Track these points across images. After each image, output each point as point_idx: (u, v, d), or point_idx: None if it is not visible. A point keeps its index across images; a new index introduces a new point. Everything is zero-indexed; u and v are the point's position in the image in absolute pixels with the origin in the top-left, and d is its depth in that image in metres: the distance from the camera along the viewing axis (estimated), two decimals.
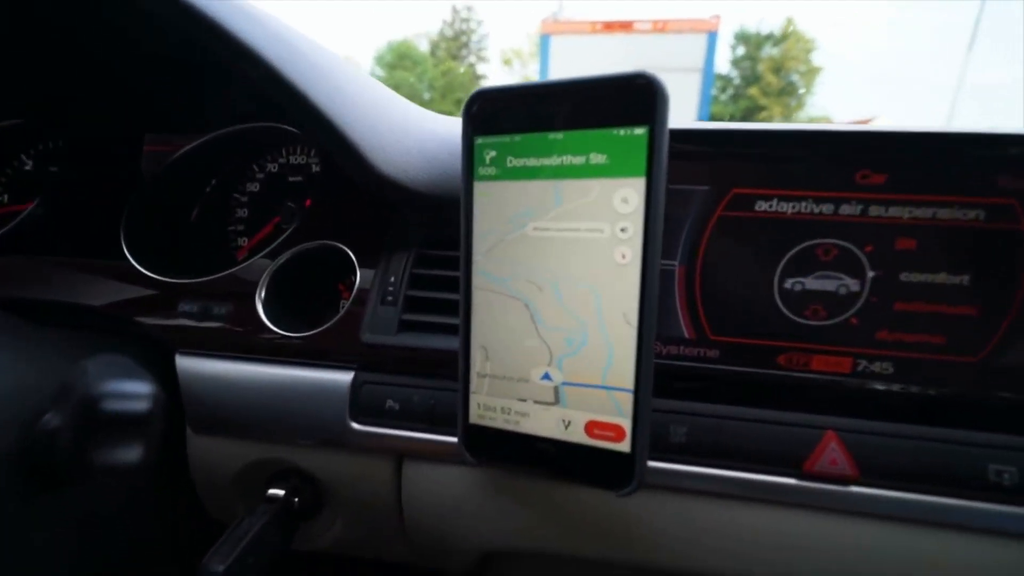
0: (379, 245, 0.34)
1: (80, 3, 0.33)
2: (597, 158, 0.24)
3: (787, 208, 0.26)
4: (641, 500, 0.28)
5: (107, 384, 0.23)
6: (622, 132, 0.24)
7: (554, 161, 0.25)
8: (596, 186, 0.24)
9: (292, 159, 0.45)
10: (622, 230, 0.24)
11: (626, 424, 0.24)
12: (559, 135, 0.25)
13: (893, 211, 0.25)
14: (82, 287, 0.36)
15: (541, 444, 0.26)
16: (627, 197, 0.24)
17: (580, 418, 0.26)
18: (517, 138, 0.26)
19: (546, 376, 0.26)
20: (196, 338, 0.33)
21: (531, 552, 0.32)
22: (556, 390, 0.26)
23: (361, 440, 0.31)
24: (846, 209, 0.26)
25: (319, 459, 0.33)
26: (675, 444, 0.28)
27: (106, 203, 0.41)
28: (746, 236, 0.27)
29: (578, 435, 0.26)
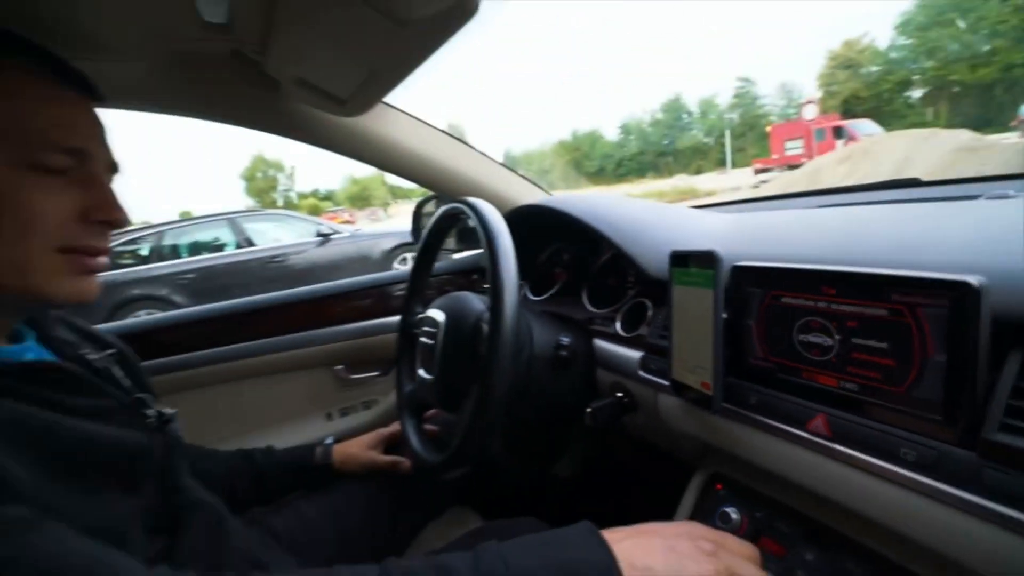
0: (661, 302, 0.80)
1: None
2: (701, 279, 0.62)
3: (795, 302, 0.55)
4: (730, 425, 0.62)
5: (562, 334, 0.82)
6: (710, 272, 0.61)
7: (694, 279, 0.65)
8: (703, 291, 0.62)
9: None
10: (711, 307, 0.61)
11: (710, 382, 0.61)
12: (693, 269, 0.64)
13: (844, 307, 0.51)
14: (570, 308, 1.00)
15: (691, 389, 0.66)
16: (711, 295, 0.61)
17: (698, 378, 0.64)
18: (690, 270, 0.67)
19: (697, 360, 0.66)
20: (603, 335, 0.90)
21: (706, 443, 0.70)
22: (697, 366, 0.65)
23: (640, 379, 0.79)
24: (820, 304, 0.53)
25: (632, 385, 0.82)
26: (751, 403, 0.61)
27: (577, 279, 1.05)
28: (779, 312, 0.57)
29: (699, 385, 0.64)
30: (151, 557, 0.61)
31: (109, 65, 0.67)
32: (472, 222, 0.76)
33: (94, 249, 0.54)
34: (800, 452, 0.55)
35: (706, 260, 0.61)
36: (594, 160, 69.99)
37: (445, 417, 1.07)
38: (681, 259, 0.67)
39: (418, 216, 1.48)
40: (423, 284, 0.99)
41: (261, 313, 1.25)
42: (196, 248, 6.12)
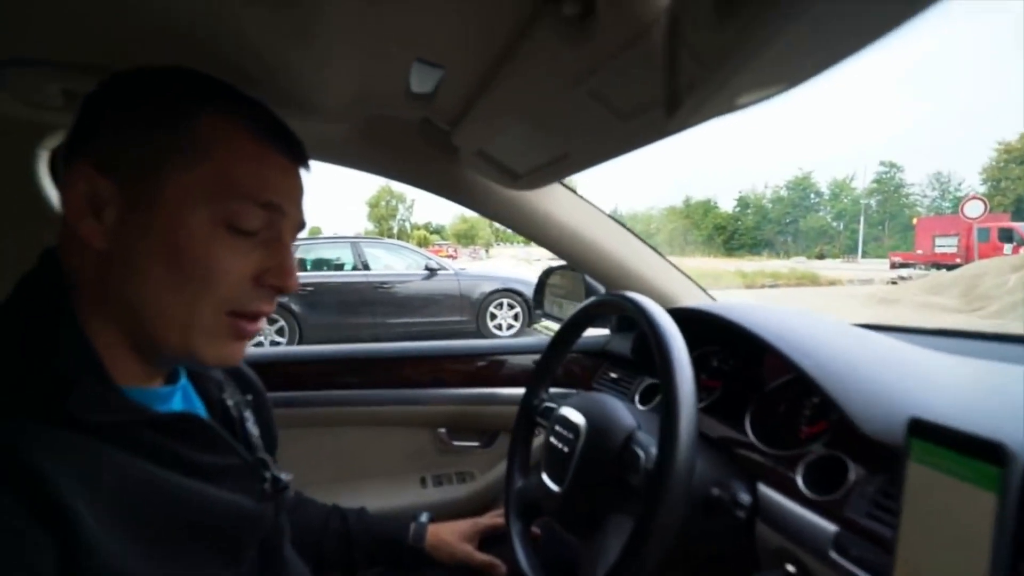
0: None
1: None
2: (971, 472, 0.45)
3: None
4: None
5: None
6: (995, 471, 0.44)
7: (955, 467, 0.47)
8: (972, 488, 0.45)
9: None
10: (989, 517, 0.43)
11: None
12: (954, 453, 0.47)
13: None
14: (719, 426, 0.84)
15: None
16: (992, 502, 0.43)
17: None
18: (944, 450, 0.49)
19: None
20: (773, 478, 0.73)
21: None
22: None
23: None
24: None
25: (812, 561, 0.64)
26: None
27: (734, 395, 0.89)
28: None
29: None
30: None
31: (311, 123, 0.69)
32: (640, 323, 0.66)
33: (258, 314, 0.51)
34: None
35: (990, 453, 0.44)
36: (704, 230, 67.57)
37: (550, 521, 0.95)
38: (927, 431, 0.50)
39: (543, 284, 1.42)
40: (556, 365, 0.90)
41: (377, 363, 1.23)
42: (319, 264, 6.72)
